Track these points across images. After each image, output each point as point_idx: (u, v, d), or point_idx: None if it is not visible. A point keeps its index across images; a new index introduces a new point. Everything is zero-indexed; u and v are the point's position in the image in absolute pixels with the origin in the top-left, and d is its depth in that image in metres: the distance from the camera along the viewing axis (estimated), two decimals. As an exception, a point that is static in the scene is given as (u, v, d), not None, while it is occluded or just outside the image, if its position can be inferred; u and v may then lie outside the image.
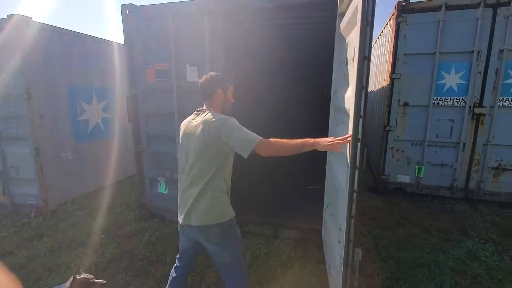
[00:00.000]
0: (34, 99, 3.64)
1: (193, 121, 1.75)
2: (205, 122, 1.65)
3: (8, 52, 3.59)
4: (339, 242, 2.05)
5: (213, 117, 1.65)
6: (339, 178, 2.10)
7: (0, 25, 3.55)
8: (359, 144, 1.53)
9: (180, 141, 1.83)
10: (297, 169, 5.37)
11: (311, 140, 1.63)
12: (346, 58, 2.17)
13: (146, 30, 3.23)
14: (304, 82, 7.73)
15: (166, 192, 3.63)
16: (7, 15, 3.55)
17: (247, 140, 1.57)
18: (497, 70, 3.78)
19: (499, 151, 3.96)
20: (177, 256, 1.96)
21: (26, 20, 3.58)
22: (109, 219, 3.79)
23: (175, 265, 1.96)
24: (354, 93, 1.51)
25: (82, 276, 1.89)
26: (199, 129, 1.66)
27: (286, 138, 1.64)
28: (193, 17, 3.04)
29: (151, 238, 3.28)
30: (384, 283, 2.51)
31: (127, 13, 3.23)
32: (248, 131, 1.62)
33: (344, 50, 2.30)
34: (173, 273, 1.95)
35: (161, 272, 2.69)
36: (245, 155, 1.58)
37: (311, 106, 7.57)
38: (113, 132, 5.02)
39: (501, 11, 3.69)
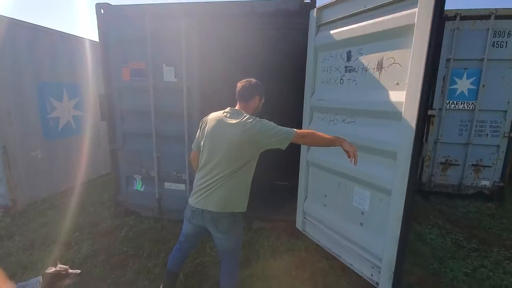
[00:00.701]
0: (0, 95, 3.52)
1: (228, 119, 1.86)
2: (244, 124, 1.80)
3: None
4: (361, 224, 2.53)
5: (252, 120, 1.82)
6: (362, 172, 2.41)
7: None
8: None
9: (206, 132, 1.93)
10: (267, 167, 5.62)
11: (341, 138, 1.93)
12: (348, 66, 2.50)
13: (122, 29, 3.26)
14: (279, 86, 8.02)
15: (142, 190, 3.69)
16: (-30, 8, 3.41)
17: (285, 133, 1.81)
18: (444, 76, 4.28)
19: (446, 148, 4.50)
20: (181, 239, 2.13)
21: (-9, 13, 3.47)
22: (82, 218, 3.77)
23: (178, 247, 2.15)
24: (418, 98, 1.91)
25: (54, 269, 1.96)
26: (238, 129, 1.79)
27: None
28: (170, 19, 3.14)
29: (127, 234, 3.34)
30: (344, 266, 2.82)
31: (102, 12, 3.25)
32: (280, 126, 1.84)
33: (339, 58, 2.59)
34: (175, 254, 2.16)
35: (139, 264, 2.80)
36: (284, 147, 1.83)
37: (281, 109, 7.90)
38: (85, 130, 4.92)
39: (449, 25, 4.19)
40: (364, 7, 2.30)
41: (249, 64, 6.43)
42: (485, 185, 4.50)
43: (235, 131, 1.80)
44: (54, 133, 4.36)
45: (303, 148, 3.11)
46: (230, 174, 1.82)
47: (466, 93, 4.32)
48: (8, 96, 3.64)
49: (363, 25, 2.33)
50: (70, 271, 2.01)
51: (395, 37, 2.11)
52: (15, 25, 3.74)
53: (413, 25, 1.93)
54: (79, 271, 2.04)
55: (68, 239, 3.23)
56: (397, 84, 2.11)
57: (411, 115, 1.98)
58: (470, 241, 3.33)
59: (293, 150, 3.05)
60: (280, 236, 3.32)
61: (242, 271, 2.68)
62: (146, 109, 3.39)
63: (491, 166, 4.42)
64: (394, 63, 2.13)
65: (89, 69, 4.78)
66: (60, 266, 1.99)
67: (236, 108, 1.95)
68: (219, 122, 1.89)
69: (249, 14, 3.03)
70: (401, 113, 2.05)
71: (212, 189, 1.85)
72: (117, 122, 3.53)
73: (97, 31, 3.30)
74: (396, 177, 2.11)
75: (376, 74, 2.27)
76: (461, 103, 4.35)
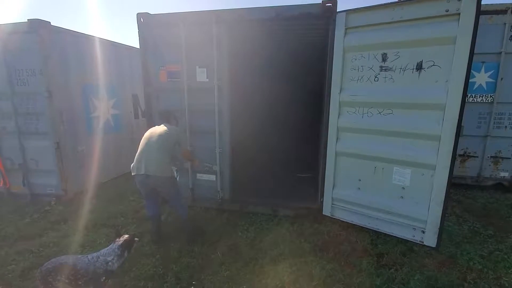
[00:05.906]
0: (54, 97, 3.98)
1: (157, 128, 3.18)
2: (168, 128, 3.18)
3: (27, 54, 3.92)
4: (402, 197, 3.02)
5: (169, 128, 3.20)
6: (406, 154, 2.92)
7: (20, 29, 3.88)
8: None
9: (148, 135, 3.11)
10: (290, 160, 5.92)
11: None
12: (384, 66, 2.86)
13: (160, 35, 3.64)
14: (300, 83, 8.29)
15: (177, 180, 4.06)
16: (28, 20, 3.86)
17: None
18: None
19: (464, 141, 4.58)
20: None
21: (45, 24, 3.90)
22: (124, 205, 4.21)
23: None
24: (461, 93, 2.46)
25: (126, 236, 2.36)
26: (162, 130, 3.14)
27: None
28: (202, 25, 3.47)
29: (167, 220, 3.73)
30: (365, 248, 3.07)
31: (142, 20, 3.63)
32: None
33: (372, 58, 2.92)
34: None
35: (180, 245, 3.16)
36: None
37: (303, 105, 8.17)
38: (121, 127, 5.38)
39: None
40: (401, 18, 2.67)
41: (274, 64, 6.72)
42: (504, 176, 4.58)
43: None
44: (96, 130, 4.82)
45: (331, 140, 3.35)
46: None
47: (484, 86, 4.41)
48: (60, 98, 4.11)
49: (401, 33, 2.73)
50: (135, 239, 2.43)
51: (435, 44, 2.57)
52: (63, 33, 4.20)
53: (454, 36, 2.40)
54: (137, 239, 2.46)
55: (115, 223, 3.65)
56: (436, 82, 2.61)
57: (454, 106, 2.52)
58: (486, 228, 3.48)
59: (314, 146, 3.33)
60: (304, 222, 3.59)
61: (271, 252, 2.99)
62: (181, 107, 3.75)
63: (510, 158, 4.50)
64: (434, 65, 2.61)
65: (125, 71, 5.21)
66: (126, 235, 2.39)
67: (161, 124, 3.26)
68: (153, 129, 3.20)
69: (275, 19, 3.31)
70: (444, 104, 2.56)
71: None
72: (155, 119, 3.90)
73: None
74: (441, 154, 2.66)
75: (415, 73, 2.72)
76: (479, 96, 4.45)
